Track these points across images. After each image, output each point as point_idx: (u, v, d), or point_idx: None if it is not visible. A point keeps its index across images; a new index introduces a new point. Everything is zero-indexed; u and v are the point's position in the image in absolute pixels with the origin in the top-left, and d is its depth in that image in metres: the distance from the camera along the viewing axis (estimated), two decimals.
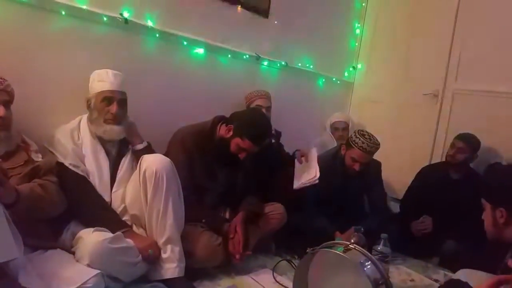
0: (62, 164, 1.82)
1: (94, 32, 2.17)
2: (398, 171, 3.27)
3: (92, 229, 1.69)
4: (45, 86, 2.04)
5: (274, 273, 2.17)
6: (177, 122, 2.42)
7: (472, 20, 3.24)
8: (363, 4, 3.94)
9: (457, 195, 2.79)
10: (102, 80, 1.95)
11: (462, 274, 2.05)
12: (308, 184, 2.46)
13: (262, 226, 2.33)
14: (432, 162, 3.40)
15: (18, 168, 1.67)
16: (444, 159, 3.10)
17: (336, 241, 1.72)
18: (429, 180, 3.03)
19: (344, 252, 1.57)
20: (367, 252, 1.62)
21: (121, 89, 1.98)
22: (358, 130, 2.62)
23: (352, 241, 2.10)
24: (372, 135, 2.59)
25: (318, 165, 2.51)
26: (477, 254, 2.42)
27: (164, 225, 1.81)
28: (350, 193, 2.76)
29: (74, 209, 1.79)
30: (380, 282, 1.55)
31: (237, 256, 2.05)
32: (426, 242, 2.78)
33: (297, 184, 2.50)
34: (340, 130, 3.49)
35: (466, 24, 3.27)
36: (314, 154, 2.63)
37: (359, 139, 2.55)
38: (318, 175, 2.45)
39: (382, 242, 2.10)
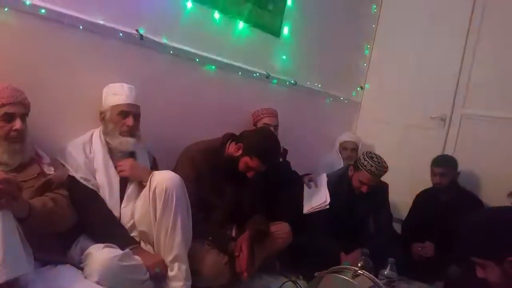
0: (73, 177, 1.83)
1: (110, 47, 2.20)
2: (402, 193, 3.26)
3: (101, 245, 1.69)
4: (59, 99, 2.05)
5: None
6: (187, 137, 2.45)
7: (482, 45, 3.28)
8: (373, 26, 3.97)
9: (450, 216, 2.78)
10: (117, 93, 2.00)
11: None
12: (318, 209, 2.47)
13: (268, 245, 2.32)
14: None
15: (31, 181, 1.69)
16: None
17: (344, 266, 1.73)
18: (422, 204, 3.10)
19: (353, 278, 1.57)
20: (375, 278, 1.62)
21: (136, 102, 2.03)
22: (367, 152, 2.63)
23: (360, 265, 2.13)
24: (381, 158, 2.60)
25: (328, 189, 2.51)
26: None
27: (172, 242, 1.81)
28: (356, 214, 2.77)
29: (83, 223, 1.80)
30: None
31: (245, 274, 2.05)
32: (430, 266, 2.78)
33: (307, 208, 2.51)
34: (349, 150, 3.50)
35: (476, 49, 3.30)
36: (323, 179, 2.65)
37: (368, 162, 2.56)
38: (328, 200, 2.47)
39: (389, 267, 2.09)
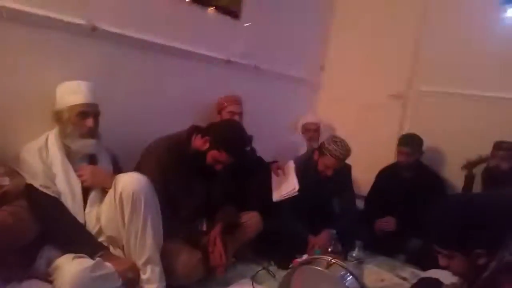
0: (31, 185, 1.73)
1: (58, 40, 2.03)
2: (362, 170, 3.32)
3: (70, 256, 1.62)
4: (4, 102, 1.89)
5: (254, 283, 2.19)
6: (148, 130, 2.37)
7: (437, 22, 3.35)
8: (332, 5, 3.95)
9: (412, 192, 2.95)
10: (74, 92, 1.88)
11: (433, 272, 2.17)
12: (287, 196, 2.49)
13: (239, 236, 2.33)
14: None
15: None
16: None
17: (316, 256, 1.75)
18: (385, 181, 3.19)
19: (327, 268, 1.60)
20: (347, 266, 1.66)
21: (95, 101, 1.92)
22: (331, 137, 2.66)
23: (330, 249, 2.18)
24: (344, 141, 2.64)
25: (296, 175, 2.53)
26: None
27: (143, 246, 1.76)
28: (322, 197, 2.83)
29: (48, 233, 1.71)
30: None
31: (220, 268, 2.05)
32: (392, 240, 2.90)
33: (276, 196, 2.52)
34: (311, 131, 3.53)
35: (431, 26, 3.38)
36: (291, 166, 2.66)
37: (332, 147, 2.59)
38: (297, 187, 2.49)
39: (357, 249, 2.15)
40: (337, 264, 1.62)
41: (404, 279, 2.50)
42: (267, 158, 2.99)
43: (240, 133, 2.20)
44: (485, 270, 1.27)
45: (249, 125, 2.83)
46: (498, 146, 2.68)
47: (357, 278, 1.61)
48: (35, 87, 1.97)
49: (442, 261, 1.41)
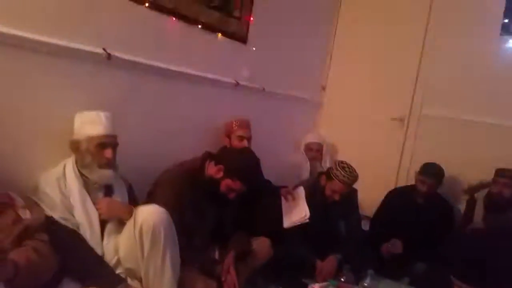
0: (51, 218, 1.73)
1: (76, 69, 2.05)
2: (364, 189, 3.35)
3: None
4: (24, 131, 1.90)
5: None
6: (161, 155, 2.43)
7: (439, 48, 3.45)
8: (333, 26, 4.03)
9: (423, 219, 2.98)
10: (94, 123, 1.89)
11: None
12: (298, 223, 2.51)
13: (250, 262, 2.34)
14: (398, 183, 3.61)
15: (7, 229, 1.56)
16: (408, 182, 3.30)
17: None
18: (396, 204, 3.19)
19: None
20: None
21: (114, 132, 1.94)
22: (339, 162, 2.69)
23: (342, 280, 2.21)
24: (352, 167, 2.68)
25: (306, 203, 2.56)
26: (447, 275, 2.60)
27: (162, 278, 1.77)
28: (329, 221, 2.85)
29: (67, 266, 1.70)
30: None
31: None
32: (397, 263, 2.92)
33: (287, 223, 2.54)
34: (314, 151, 3.57)
35: (433, 52, 3.47)
36: (301, 192, 2.68)
37: (340, 172, 2.63)
38: (308, 214, 2.52)
39: (369, 277, 2.19)
40: None
41: None
42: (271, 178, 3.01)
43: (254, 162, 2.23)
44: None
45: (254, 146, 2.88)
46: (500, 173, 2.75)
47: None
48: (53, 116, 1.97)
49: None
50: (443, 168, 3.02)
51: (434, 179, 2.98)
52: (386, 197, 3.31)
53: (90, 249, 1.79)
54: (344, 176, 2.62)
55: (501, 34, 3.15)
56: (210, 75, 2.79)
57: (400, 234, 2.97)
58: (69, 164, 1.90)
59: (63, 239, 1.71)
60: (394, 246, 2.95)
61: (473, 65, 3.26)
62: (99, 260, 1.80)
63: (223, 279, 2.10)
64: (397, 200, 3.22)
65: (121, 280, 1.78)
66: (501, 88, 3.13)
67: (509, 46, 3.14)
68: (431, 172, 3.01)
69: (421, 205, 3.08)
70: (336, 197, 2.69)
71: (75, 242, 1.75)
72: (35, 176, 1.86)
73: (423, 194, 3.01)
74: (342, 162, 2.71)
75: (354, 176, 2.65)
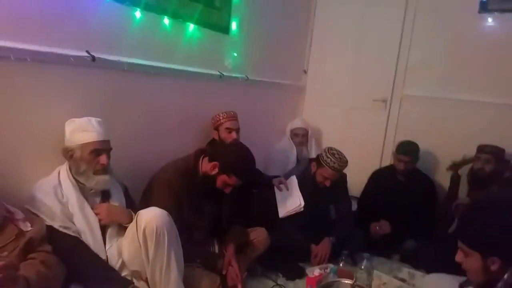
0: (51, 227, 1.73)
1: (62, 74, 2.02)
2: (350, 172, 3.42)
3: None
4: (15, 141, 1.89)
5: None
6: (152, 153, 2.49)
7: (419, 29, 3.48)
8: (313, 9, 4.02)
9: (406, 195, 3.08)
10: (86, 130, 1.88)
11: (433, 281, 2.32)
12: (293, 212, 2.56)
13: (249, 253, 2.42)
14: (383, 163, 3.70)
15: (11, 244, 1.56)
16: (392, 162, 3.39)
17: (336, 280, 1.83)
18: (379, 184, 3.29)
19: None
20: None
21: (107, 138, 1.93)
22: (328, 149, 2.75)
23: (341, 265, 2.29)
24: (341, 153, 2.74)
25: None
26: (436, 250, 2.73)
27: (168, 278, 1.80)
28: (320, 206, 2.92)
29: (73, 274, 1.71)
30: None
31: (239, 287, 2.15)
32: (387, 242, 3.03)
33: (282, 213, 2.59)
34: (300, 136, 3.62)
35: (413, 33, 3.51)
36: (294, 181, 2.73)
37: (330, 159, 2.68)
38: (303, 203, 2.57)
39: (365, 260, 2.26)
40: (359, 286, 1.72)
41: (403, 280, 2.64)
42: (259, 166, 3.04)
43: (248, 156, 2.24)
44: (495, 276, 1.42)
45: (241, 135, 2.91)
46: (482, 149, 2.83)
47: None
48: (45, 123, 1.97)
49: (459, 256, 1.55)
50: (427, 149, 3.11)
51: (410, 156, 3.08)
52: (370, 178, 3.41)
53: (94, 255, 1.80)
54: (334, 162, 2.68)
55: (479, 12, 3.20)
56: (194, 69, 2.78)
57: (386, 212, 3.08)
58: (63, 171, 1.89)
59: (66, 248, 1.71)
60: (382, 227, 3.05)
61: (452, 44, 3.32)
62: (104, 265, 1.81)
63: (224, 272, 2.15)
64: (380, 180, 3.32)
65: (128, 283, 1.80)
66: (480, 66, 3.20)
67: (487, 24, 3.20)
68: (406, 149, 3.11)
69: (403, 183, 3.18)
70: (327, 183, 2.76)
71: (78, 250, 1.76)
72: (29, 185, 1.84)
73: (402, 172, 3.11)
74: (331, 148, 2.76)
75: (344, 162, 2.71)
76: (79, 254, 1.75)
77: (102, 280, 1.74)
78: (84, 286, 1.73)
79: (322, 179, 2.75)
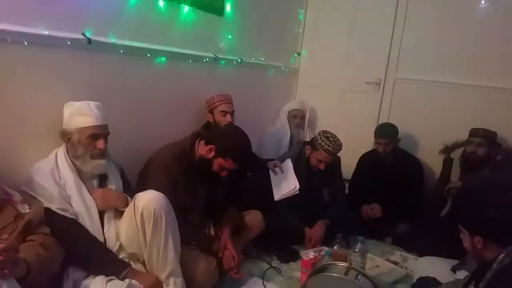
0: (49, 209, 1.73)
1: (58, 57, 2.00)
2: (343, 154, 3.43)
3: (102, 279, 1.69)
4: (13, 123, 1.87)
5: (264, 281, 2.32)
6: (148, 135, 2.51)
7: (412, 12, 3.48)
8: None
9: (393, 177, 3.12)
10: (85, 114, 1.87)
11: (425, 264, 2.38)
12: (289, 195, 2.59)
13: (245, 236, 2.45)
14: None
15: (9, 226, 1.56)
16: None
17: (331, 262, 1.87)
18: (366, 167, 3.34)
19: (346, 274, 1.74)
20: (361, 270, 1.80)
21: (105, 122, 1.92)
22: (323, 132, 2.76)
23: (335, 248, 2.33)
24: (335, 136, 2.76)
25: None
26: (428, 233, 2.79)
27: (165, 260, 1.81)
28: (314, 189, 2.95)
29: (71, 255, 1.72)
30: None
31: (235, 271, 2.19)
32: (379, 225, 3.09)
33: (278, 196, 2.62)
34: (298, 118, 3.63)
35: (406, 15, 3.50)
36: (289, 165, 2.74)
37: (325, 142, 2.70)
38: (298, 186, 2.59)
39: (359, 243, 2.30)
40: (353, 269, 1.75)
41: (396, 263, 2.71)
42: (253, 148, 3.05)
43: (244, 140, 2.25)
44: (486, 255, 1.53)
45: (235, 117, 2.91)
46: (474, 133, 2.87)
47: (371, 280, 1.75)
48: (42, 105, 1.96)
49: (462, 235, 1.62)
50: (420, 132, 3.13)
51: (387, 139, 3.12)
52: (358, 161, 3.45)
53: (92, 238, 1.81)
54: (328, 145, 2.70)
55: None
56: (188, 51, 2.77)
57: (376, 195, 3.13)
58: (61, 154, 1.88)
59: (64, 230, 1.72)
60: (373, 210, 3.11)
61: (445, 26, 3.33)
62: (102, 247, 1.83)
63: (220, 255, 2.19)
64: (366, 162, 3.37)
65: (125, 265, 1.82)
66: (473, 50, 3.22)
67: (480, 7, 3.20)
68: (382, 132, 3.16)
69: (389, 164, 3.21)
70: (322, 166, 2.78)
71: (76, 232, 1.77)
72: (26, 168, 1.85)
73: (383, 154, 3.16)
74: (325, 132, 2.78)
75: (338, 145, 2.73)
76: (77, 236, 1.77)
77: (100, 263, 1.77)
78: (82, 268, 1.76)
79: (317, 162, 2.78)
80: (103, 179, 1.98)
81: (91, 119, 1.86)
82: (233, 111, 2.85)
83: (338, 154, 2.98)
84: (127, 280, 1.71)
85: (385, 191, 3.11)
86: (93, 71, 2.19)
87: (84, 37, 2.06)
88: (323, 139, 2.72)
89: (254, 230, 2.50)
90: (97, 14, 2.15)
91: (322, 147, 2.71)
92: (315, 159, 2.78)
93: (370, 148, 3.69)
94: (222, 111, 2.79)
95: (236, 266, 2.20)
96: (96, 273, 1.75)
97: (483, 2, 3.18)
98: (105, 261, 1.79)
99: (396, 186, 3.08)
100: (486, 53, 3.18)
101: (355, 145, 3.69)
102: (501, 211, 1.51)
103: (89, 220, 1.84)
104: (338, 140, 2.75)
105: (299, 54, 4.09)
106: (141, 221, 1.79)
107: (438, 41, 3.37)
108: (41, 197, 1.75)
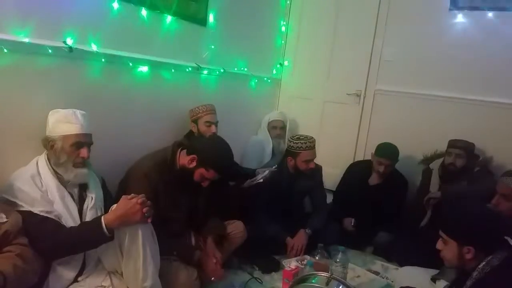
0: (31, 213, 1.68)
1: (39, 65, 1.98)
2: (323, 165, 3.43)
3: None
4: None
5: None
6: (128, 145, 2.48)
7: (392, 24, 3.56)
8: (287, 2, 4.04)
9: (380, 191, 3.14)
10: (70, 122, 1.84)
11: (405, 274, 2.40)
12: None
13: (227, 246, 2.43)
14: (356, 156, 3.78)
15: None
16: (365, 156, 3.53)
17: (313, 273, 1.87)
18: (355, 178, 3.33)
19: (327, 284, 1.74)
20: (343, 280, 1.81)
21: (90, 131, 1.90)
22: (291, 137, 2.88)
23: (317, 258, 2.34)
24: (303, 135, 2.87)
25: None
26: (408, 243, 2.81)
27: (144, 273, 1.77)
28: (295, 197, 2.98)
29: (60, 251, 1.70)
30: None
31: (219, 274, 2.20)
32: (360, 234, 3.10)
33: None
34: (278, 129, 3.66)
35: (386, 28, 3.58)
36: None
37: (299, 142, 2.80)
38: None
39: (340, 254, 2.31)
40: (335, 279, 1.76)
41: (376, 273, 2.72)
42: (236, 158, 3.05)
43: (227, 150, 2.24)
44: (469, 264, 1.55)
45: (218, 127, 2.90)
46: (453, 144, 2.91)
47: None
48: (22, 114, 1.93)
49: (439, 244, 1.66)
50: (399, 143, 3.18)
51: (390, 160, 3.10)
52: (347, 170, 3.46)
53: (76, 226, 1.77)
54: (304, 143, 2.78)
55: (450, 9, 3.29)
56: (171, 61, 2.76)
57: (361, 206, 3.13)
58: (42, 161, 1.84)
59: (49, 229, 1.68)
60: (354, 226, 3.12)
61: (424, 40, 3.41)
62: (87, 224, 1.77)
63: (210, 262, 2.18)
64: (356, 174, 3.36)
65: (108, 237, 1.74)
66: (451, 62, 3.30)
67: (457, 21, 3.29)
68: (387, 153, 3.12)
69: (378, 185, 3.21)
70: (312, 165, 2.84)
71: (61, 228, 1.72)
72: (4, 176, 1.81)
73: (382, 174, 3.14)
74: (292, 136, 2.90)
75: (311, 138, 2.84)
76: (64, 231, 1.71)
77: (90, 239, 1.72)
78: (76, 250, 1.75)
79: (306, 165, 2.82)
80: (83, 188, 1.94)
81: (76, 127, 1.83)
82: (217, 122, 2.85)
83: (319, 164, 3.03)
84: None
85: (369, 207, 3.11)
86: (74, 80, 2.16)
87: (65, 45, 2.04)
88: (296, 141, 2.81)
89: (236, 240, 2.49)
90: (79, 22, 2.13)
91: (301, 148, 2.77)
92: (302, 163, 2.81)
93: (351, 159, 3.76)
94: (206, 122, 2.78)
95: (220, 276, 2.20)
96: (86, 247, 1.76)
97: (460, 16, 3.26)
98: (93, 234, 1.71)
99: (380, 203, 3.09)
100: (465, 66, 3.26)
101: (336, 156, 3.77)
102: (493, 220, 1.56)
103: (72, 222, 1.78)
104: (308, 135, 2.85)
105: (281, 65, 4.12)
106: (116, 235, 1.75)
107: (418, 53, 3.45)
108: (22, 202, 1.70)
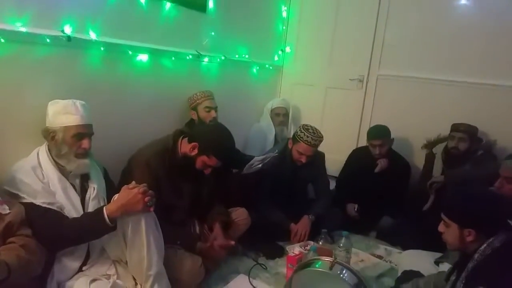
0: (33, 204, 1.69)
1: (37, 55, 1.97)
2: (327, 151, 3.41)
3: (83, 280, 1.68)
4: None
5: (250, 278, 2.32)
6: (129, 133, 2.47)
7: (394, 8, 3.50)
8: None
9: (382, 175, 3.12)
10: (70, 112, 1.82)
11: (409, 258, 2.40)
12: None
13: (232, 233, 2.44)
14: (359, 142, 3.76)
15: None
16: None
17: (316, 258, 1.87)
18: (357, 163, 3.33)
19: (330, 269, 1.75)
20: (346, 264, 1.81)
21: (90, 122, 1.89)
22: (303, 125, 2.79)
23: (320, 243, 2.34)
24: (316, 129, 2.78)
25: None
26: (412, 227, 2.82)
27: (149, 262, 1.78)
28: (298, 185, 2.97)
29: (65, 241, 1.71)
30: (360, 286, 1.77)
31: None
32: (364, 219, 3.11)
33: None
34: (281, 116, 3.63)
35: (389, 12, 3.52)
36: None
37: (304, 134, 2.72)
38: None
39: (343, 239, 2.31)
40: (339, 264, 1.76)
41: (380, 257, 2.73)
42: (238, 145, 3.04)
43: (228, 137, 2.23)
44: (470, 247, 1.56)
45: (220, 115, 2.91)
46: (456, 128, 2.91)
47: (355, 273, 1.76)
48: (18, 105, 1.92)
49: (441, 227, 1.66)
50: (402, 128, 3.16)
51: (381, 139, 3.10)
52: (349, 156, 3.45)
53: (79, 216, 1.77)
54: (308, 137, 2.71)
55: None
56: (171, 48, 2.74)
57: (364, 191, 3.12)
58: (43, 152, 1.84)
59: (53, 220, 1.69)
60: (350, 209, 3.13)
61: (427, 24, 3.36)
62: (89, 214, 1.77)
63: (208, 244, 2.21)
64: (358, 159, 3.36)
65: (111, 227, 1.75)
66: (454, 45, 3.27)
67: (461, 3, 3.24)
68: (376, 133, 3.14)
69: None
70: (303, 159, 2.78)
71: (65, 219, 1.73)
72: (5, 168, 1.81)
73: (378, 156, 3.14)
74: (306, 125, 2.81)
75: (318, 137, 2.75)
76: (66, 222, 1.72)
77: (92, 230, 1.72)
78: (80, 241, 1.75)
79: (298, 156, 2.78)
80: (85, 179, 1.94)
81: (76, 118, 1.82)
82: (217, 107, 2.84)
83: (322, 151, 3.01)
84: (111, 280, 1.70)
85: (372, 189, 3.10)
86: (73, 69, 2.15)
87: (63, 34, 2.02)
88: (303, 131, 2.75)
89: (241, 227, 2.50)
90: (77, 10, 2.11)
91: (301, 139, 2.73)
92: (296, 152, 2.79)
93: (354, 145, 3.74)
94: (206, 107, 2.78)
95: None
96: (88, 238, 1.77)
97: None
98: (95, 223, 1.72)
99: (383, 187, 3.06)
100: (467, 50, 3.22)
101: (339, 142, 3.74)
102: (493, 203, 1.56)
103: (74, 213, 1.79)
104: (319, 132, 2.77)
105: (283, 51, 4.08)
106: (120, 226, 1.76)
107: (420, 37, 3.40)
108: (24, 194, 1.70)
